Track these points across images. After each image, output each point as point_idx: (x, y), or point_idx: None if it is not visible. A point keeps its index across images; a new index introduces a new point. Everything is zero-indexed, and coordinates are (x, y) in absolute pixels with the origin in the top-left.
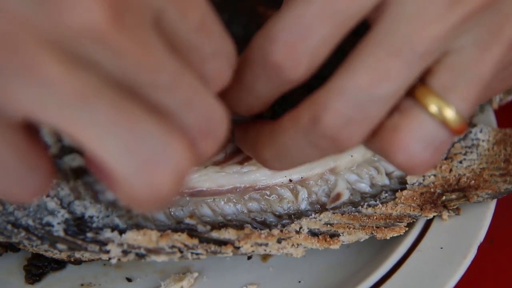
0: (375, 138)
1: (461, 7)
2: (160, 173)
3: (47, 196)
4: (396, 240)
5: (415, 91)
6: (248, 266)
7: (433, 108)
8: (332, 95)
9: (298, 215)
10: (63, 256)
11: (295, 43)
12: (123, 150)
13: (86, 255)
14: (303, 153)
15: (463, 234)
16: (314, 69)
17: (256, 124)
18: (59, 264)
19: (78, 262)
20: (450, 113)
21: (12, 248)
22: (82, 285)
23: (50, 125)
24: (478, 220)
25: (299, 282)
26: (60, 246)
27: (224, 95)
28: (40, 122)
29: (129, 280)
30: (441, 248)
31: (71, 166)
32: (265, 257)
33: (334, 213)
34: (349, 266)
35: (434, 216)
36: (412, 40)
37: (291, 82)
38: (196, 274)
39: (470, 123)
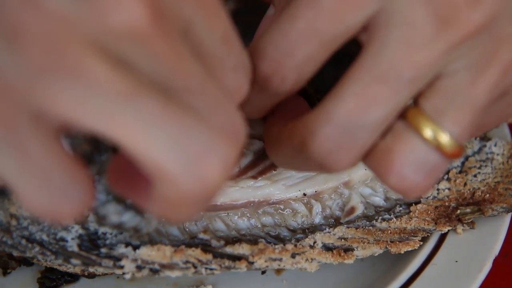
0: (369, 158)
1: (450, 34)
2: (210, 166)
3: None
4: (411, 253)
5: (408, 113)
6: (262, 279)
7: (426, 132)
8: (320, 121)
9: (312, 229)
10: (77, 270)
11: (280, 59)
12: (173, 145)
13: (100, 270)
14: (300, 166)
15: (478, 248)
16: (303, 83)
17: (268, 124)
18: (73, 277)
19: (91, 276)
20: (443, 138)
21: (26, 262)
22: None
23: (90, 129)
24: (493, 233)
25: None
26: (74, 261)
27: None
28: (78, 127)
29: None
30: (456, 261)
31: None
32: (279, 270)
33: (348, 227)
34: (363, 279)
35: (448, 230)
36: (399, 67)
37: (280, 95)
38: (210, 287)
39: (484, 137)
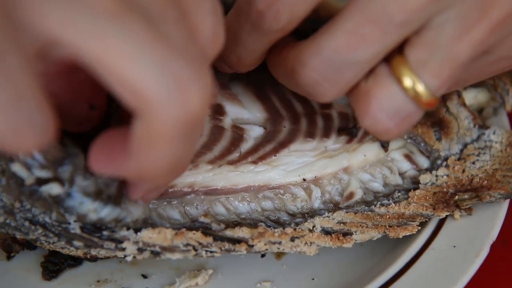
0: (351, 96)
1: None
2: (192, 93)
3: None
4: (409, 238)
5: (392, 59)
6: (262, 263)
7: (405, 81)
8: (310, 53)
9: (312, 213)
10: (80, 253)
11: None
12: (158, 68)
13: (102, 252)
14: (293, 88)
15: (476, 233)
16: (295, 23)
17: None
18: (76, 261)
19: (94, 259)
20: (420, 89)
21: (29, 246)
22: (98, 281)
23: (73, 50)
24: (491, 219)
25: (313, 279)
26: (77, 243)
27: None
28: (60, 48)
29: (144, 276)
30: (454, 246)
31: (50, 194)
32: (279, 255)
33: (347, 212)
34: (362, 264)
35: (447, 215)
36: (392, 9)
37: (274, 33)
38: (210, 271)
39: (483, 125)
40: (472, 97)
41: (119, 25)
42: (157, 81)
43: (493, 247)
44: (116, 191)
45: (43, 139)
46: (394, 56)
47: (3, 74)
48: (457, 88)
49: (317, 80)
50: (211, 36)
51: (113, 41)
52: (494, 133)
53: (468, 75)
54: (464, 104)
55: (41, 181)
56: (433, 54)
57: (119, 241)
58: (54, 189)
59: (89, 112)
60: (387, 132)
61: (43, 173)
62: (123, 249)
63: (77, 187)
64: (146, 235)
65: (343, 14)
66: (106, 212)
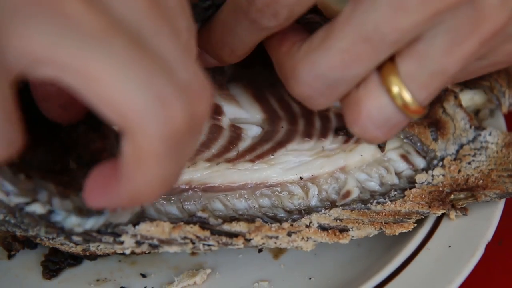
0: (342, 102)
1: (436, 1)
2: (176, 110)
3: None
4: (405, 238)
5: (383, 68)
6: (260, 263)
7: (393, 90)
8: (305, 69)
9: (308, 210)
10: (79, 249)
11: None
12: (139, 83)
13: (101, 247)
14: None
15: (471, 233)
16: (293, 19)
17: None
18: (76, 260)
19: (93, 257)
20: (407, 98)
21: (29, 244)
22: (98, 280)
23: (56, 72)
24: (487, 219)
25: (310, 279)
26: (76, 238)
27: (210, 39)
28: (41, 71)
29: (143, 276)
30: (449, 246)
31: (35, 213)
32: (277, 254)
33: (343, 209)
34: (359, 263)
35: (443, 215)
36: (384, 29)
37: (270, 29)
38: (209, 271)
39: (479, 126)
40: (469, 98)
41: (102, 46)
42: (138, 99)
43: (489, 247)
44: None
45: (10, 152)
46: (386, 64)
47: None
48: (446, 85)
49: (311, 95)
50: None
51: (95, 63)
52: (490, 134)
53: (461, 75)
54: (460, 105)
55: (23, 204)
56: (423, 66)
57: (117, 235)
58: (37, 209)
59: (61, 112)
60: (375, 139)
61: (22, 199)
62: (122, 243)
63: (57, 206)
64: (144, 228)
65: (337, 30)
66: (92, 224)
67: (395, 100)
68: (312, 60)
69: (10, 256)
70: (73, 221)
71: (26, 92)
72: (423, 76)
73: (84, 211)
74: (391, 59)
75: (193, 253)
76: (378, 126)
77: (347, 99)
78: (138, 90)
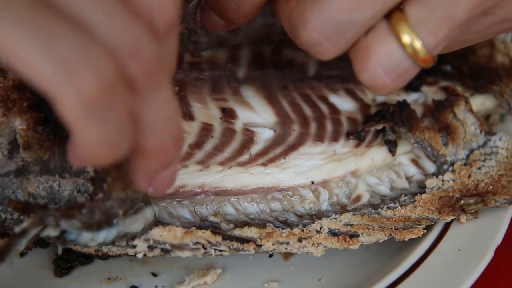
0: (351, 51)
1: None
2: (85, 80)
3: (78, 191)
4: (415, 241)
5: (392, 15)
6: (270, 264)
7: (404, 38)
8: (313, 12)
9: (319, 215)
10: (91, 250)
11: None
12: (42, 49)
13: (113, 250)
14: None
15: (480, 237)
16: None
17: None
18: (87, 259)
19: (105, 257)
20: (418, 46)
21: (41, 243)
22: (109, 279)
23: None
24: (496, 223)
25: (319, 280)
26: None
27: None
28: None
29: (154, 275)
30: (459, 250)
31: (50, 236)
32: (287, 255)
33: (354, 214)
34: (368, 266)
35: (452, 220)
36: None
37: None
38: (219, 271)
39: (489, 132)
40: (479, 103)
41: (4, 10)
42: (44, 67)
43: (498, 251)
44: (102, 216)
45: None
46: (394, 13)
47: None
48: (458, 48)
49: (319, 40)
50: (157, 5)
51: (6, 34)
52: (500, 139)
53: (469, 36)
54: (471, 110)
55: (38, 232)
56: (432, 12)
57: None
58: (51, 232)
59: None
60: (384, 86)
61: (35, 230)
62: (134, 246)
63: (66, 226)
64: (157, 232)
65: None
66: (104, 236)
67: (405, 47)
68: (319, 3)
69: (22, 254)
70: (85, 237)
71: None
72: (432, 22)
73: (93, 226)
74: (400, 8)
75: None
76: (387, 72)
77: (355, 47)
78: (40, 57)
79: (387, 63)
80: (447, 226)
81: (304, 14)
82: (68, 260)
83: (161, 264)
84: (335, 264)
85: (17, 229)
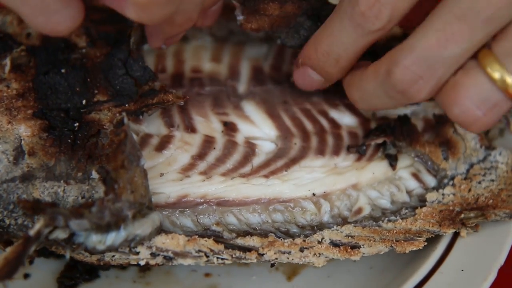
0: (440, 92)
1: None
2: None
3: (82, 197)
4: (418, 261)
5: (479, 54)
6: (274, 285)
7: (492, 71)
8: (403, 52)
9: (321, 226)
10: (93, 259)
11: None
12: None
13: (116, 258)
14: (380, 100)
15: (484, 257)
16: (395, 22)
17: (355, 66)
18: (91, 275)
19: (107, 266)
20: (508, 79)
21: (43, 252)
22: None
23: None
24: (499, 243)
25: None
26: None
27: (316, 52)
28: None
29: None
30: (462, 270)
31: (59, 238)
32: (290, 276)
33: (355, 226)
34: (371, 286)
35: (456, 239)
36: (478, 7)
37: (373, 33)
38: None
39: (490, 146)
40: None
41: None
42: None
43: (501, 271)
44: (111, 217)
45: (75, 22)
46: (481, 51)
47: None
48: None
49: (412, 77)
50: None
51: None
52: (500, 154)
53: None
54: None
55: (47, 233)
56: None
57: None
58: (59, 234)
59: None
60: (476, 121)
61: (45, 231)
62: (137, 253)
63: (75, 227)
64: (160, 240)
65: (433, 14)
66: (112, 239)
67: (496, 82)
68: (410, 43)
69: (26, 276)
70: (94, 240)
71: None
72: None
73: (102, 227)
74: (487, 46)
75: (207, 274)
76: (477, 105)
77: (444, 87)
78: None
79: (476, 95)
80: (450, 246)
81: (394, 56)
82: (72, 278)
83: (165, 285)
84: (338, 285)
85: (31, 232)
